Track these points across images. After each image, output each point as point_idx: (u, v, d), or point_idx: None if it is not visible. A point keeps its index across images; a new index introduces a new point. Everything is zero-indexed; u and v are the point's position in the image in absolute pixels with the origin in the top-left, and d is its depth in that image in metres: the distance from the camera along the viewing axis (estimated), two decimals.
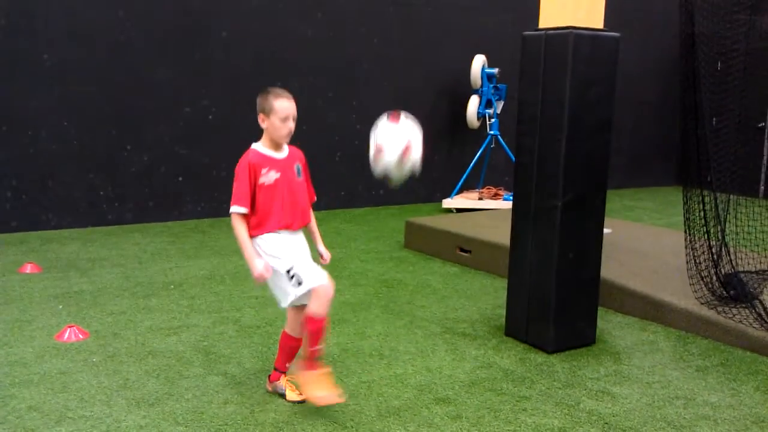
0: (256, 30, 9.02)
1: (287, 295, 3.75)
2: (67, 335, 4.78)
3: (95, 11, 8.06)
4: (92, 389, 4.04)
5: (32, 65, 7.83)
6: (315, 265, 3.80)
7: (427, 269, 6.79)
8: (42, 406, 3.83)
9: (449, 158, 10.76)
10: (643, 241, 7.05)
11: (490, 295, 5.99)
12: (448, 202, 9.78)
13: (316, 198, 4.09)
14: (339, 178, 9.89)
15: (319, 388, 3.72)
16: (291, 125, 3.77)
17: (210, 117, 8.82)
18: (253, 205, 3.74)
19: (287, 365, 4.00)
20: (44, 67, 7.90)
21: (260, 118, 3.77)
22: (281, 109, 3.71)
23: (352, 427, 3.69)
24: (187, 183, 8.73)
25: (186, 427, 3.64)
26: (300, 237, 3.92)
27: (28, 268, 6.39)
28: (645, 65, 12.68)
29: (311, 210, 4.04)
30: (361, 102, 9.91)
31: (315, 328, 3.69)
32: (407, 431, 3.65)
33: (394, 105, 10.03)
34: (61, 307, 5.43)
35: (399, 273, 6.64)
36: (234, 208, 3.71)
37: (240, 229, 3.72)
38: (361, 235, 8.31)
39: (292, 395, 3.95)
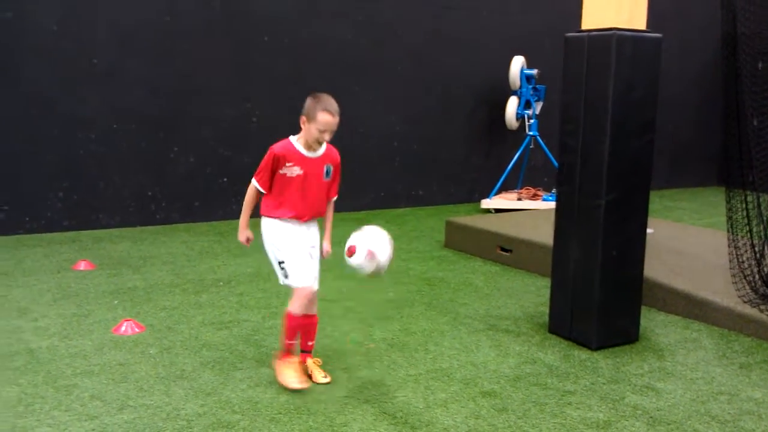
0: (298, 33, 9.19)
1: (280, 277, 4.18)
2: (123, 328, 4.98)
3: (142, 17, 8.31)
4: (151, 379, 4.22)
5: (82, 70, 8.09)
6: (309, 264, 4.13)
7: (468, 268, 6.88)
8: (104, 395, 4.01)
9: (487, 159, 10.84)
10: (685, 240, 7.06)
11: (532, 293, 6.07)
12: (486, 203, 9.86)
13: (337, 196, 4.32)
14: (379, 180, 10.02)
15: (288, 374, 4.11)
16: (326, 137, 4.02)
17: (253, 119, 9.01)
18: (271, 188, 4.10)
19: (309, 343, 4.28)
20: (94, 71, 8.16)
21: (302, 119, 4.01)
22: (322, 123, 3.95)
23: (401, 417, 3.81)
24: (231, 183, 8.93)
25: (242, 415, 3.79)
26: (308, 228, 4.18)
27: (82, 266, 6.62)
28: (685, 65, 12.62)
29: (331, 206, 4.30)
30: (400, 104, 10.04)
31: (290, 324, 4.12)
32: (455, 422, 3.76)
33: (432, 106, 10.21)
34: (116, 302, 5.64)
35: (440, 271, 6.75)
36: (254, 182, 4.09)
37: (249, 200, 4.14)
38: (401, 234, 8.42)
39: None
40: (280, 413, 3.83)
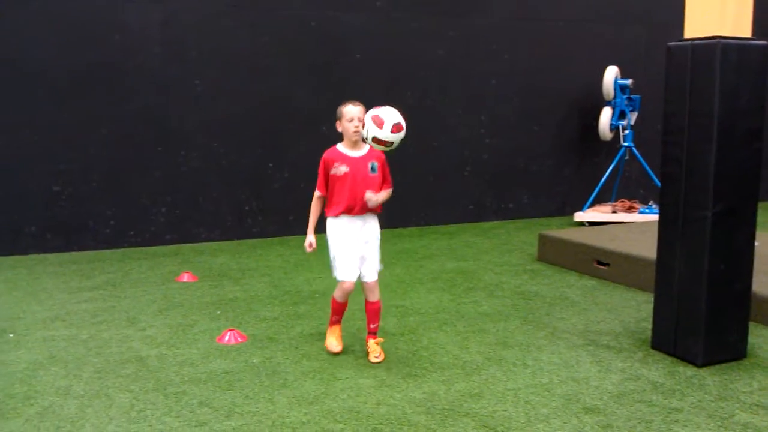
0: (390, 51, 9.31)
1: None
2: (227, 338, 5.15)
3: (241, 38, 8.60)
4: (255, 388, 4.34)
5: (185, 90, 8.44)
6: (353, 262, 4.73)
7: (563, 282, 6.79)
8: (212, 402, 4.15)
9: (579, 171, 10.66)
10: None
11: (632, 308, 5.93)
12: (580, 216, 9.69)
13: (391, 187, 4.84)
14: (468, 193, 10.00)
15: (329, 341, 5.00)
16: (356, 124, 4.60)
17: None
18: (327, 190, 4.77)
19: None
20: (196, 92, 8.50)
21: (337, 124, 4.71)
22: (347, 112, 4.64)
23: (503, 431, 3.79)
24: None
25: (344, 424, 3.86)
26: (363, 223, 4.74)
27: (185, 277, 6.88)
28: None
29: (386, 191, 4.79)
30: (490, 117, 10.01)
31: (333, 307, 4.97)
32: None
33: (523, 120, 10.15)
34: (218, 312, 5.84)
35: (535, 285, 6.68)
36: (316, 192, 4.84)
37: (313, 207, 4.86)
38: (492, 248, 8.38)
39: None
40: (382, 423, 3.87)
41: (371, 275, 4.80)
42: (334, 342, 4.97)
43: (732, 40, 4.43)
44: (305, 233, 4.91)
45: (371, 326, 4.88)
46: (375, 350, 4.82)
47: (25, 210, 7.98)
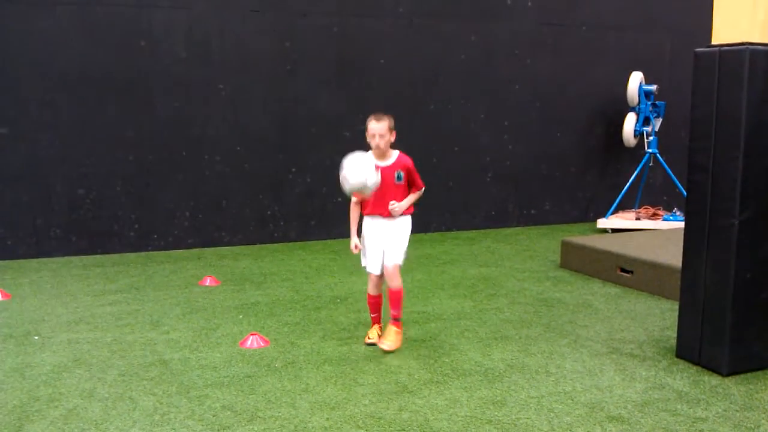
0: (412, 56, 9.32)
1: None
2: (249, 342, 5.17)
3: (264, 44, 8.65)
4: (277, 392, 4.35)
5: (209, 95, 8.50)
6: (375, 256, 5.03)
7: (586, 289, 6.74)
8: (234, 406, 4.17)
9: (602, 177, 10.59)
10: None
11: (657, 316, 5.87)
12: (603, 222, 9.62)
13: (422, 187, 5.11)
14: (490, 198, 9.97)
15: (369, 333, 5.25)
16: (377, 140, 4.88)
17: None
18: None
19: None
20: (220, 96, 8.55)
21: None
22: (369, 128, 4.92)
23: None
24: (346, 203, 9.10)
25: (366, 430, 3.86)
26: (388, 223, 5.01)
27: (208, 281, 6.92)
28: None
29: (417, 192, 5.08)
30: (513, 123, 9.97)
31: (367, 301, 5.29)
32: None
33: (546, 125, 10.11)
34: (241, 316, 5.86)
35: (557, 292, 6.64)
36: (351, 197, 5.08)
37: (352, 212, 5.12)
38: (514, 254, 8.34)
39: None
40: (404, 429, 3.86)
41: (388, 261, 5.01)
42: (371, 334, 5.23)
43: (760, 47, 4.38)
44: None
45: (392, 312, 5.09)
46: (389, 337, 5.02)
47: (50, 213, 8.07)
